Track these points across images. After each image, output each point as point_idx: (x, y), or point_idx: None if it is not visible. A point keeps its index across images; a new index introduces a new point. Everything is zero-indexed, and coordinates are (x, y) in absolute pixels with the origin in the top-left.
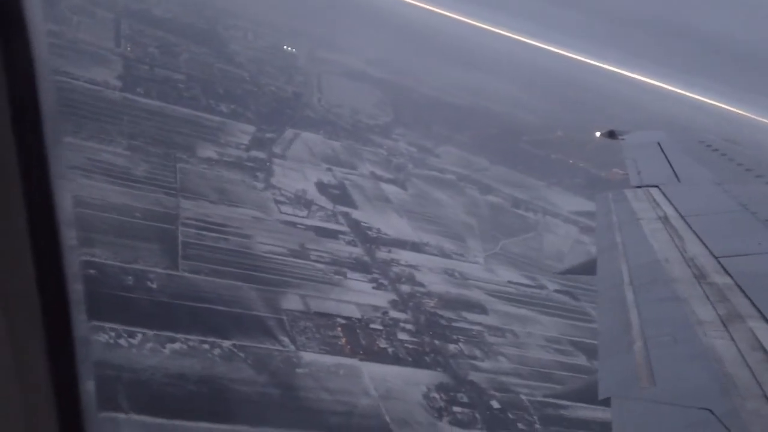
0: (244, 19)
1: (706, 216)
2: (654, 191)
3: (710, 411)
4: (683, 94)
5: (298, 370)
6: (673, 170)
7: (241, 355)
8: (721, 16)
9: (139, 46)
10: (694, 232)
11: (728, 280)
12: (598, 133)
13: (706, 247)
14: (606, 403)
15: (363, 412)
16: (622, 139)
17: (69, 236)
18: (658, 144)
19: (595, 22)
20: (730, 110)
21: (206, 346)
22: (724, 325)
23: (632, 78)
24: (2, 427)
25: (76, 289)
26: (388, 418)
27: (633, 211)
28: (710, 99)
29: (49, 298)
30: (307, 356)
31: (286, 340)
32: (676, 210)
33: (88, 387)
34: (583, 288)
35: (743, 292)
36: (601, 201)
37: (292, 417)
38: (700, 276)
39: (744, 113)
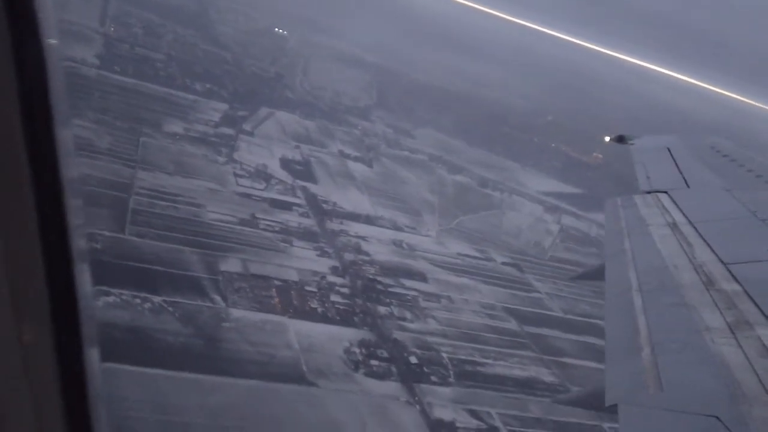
0: (241, 2)
1: (715, 222)
2: (663, 197)
3: (717, 418)
4: (685, 81)
5: (224, 324)
6: (683, 176)
7: (170, 309)
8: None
9: (124, 26)
10: (703, 239)
11: (737, 286)
12: (607, 138)
13: (715, 253)
14: (613, 409)
15: (281, 362)
16: (632, 144)
17: (79, 234)
18: (668, 149)
19: (599, 7)
20: (727, 96)
21: (138, 301)
22: (732, 332)
23: (634, 64)
24: (10, 423)
25: (87, 289)
26: (304, 368)
27: (642, 216)
28: (708, 85)
29: (59, 296)
30: (236, 313)
31: (218, 298)
32: (685, 216)
33: (97, 383)
34: (532, 263)
35: (751, 299)
36: (610, 206)
37: (209, 364)
38: (709, 283)
39: (744, 99)
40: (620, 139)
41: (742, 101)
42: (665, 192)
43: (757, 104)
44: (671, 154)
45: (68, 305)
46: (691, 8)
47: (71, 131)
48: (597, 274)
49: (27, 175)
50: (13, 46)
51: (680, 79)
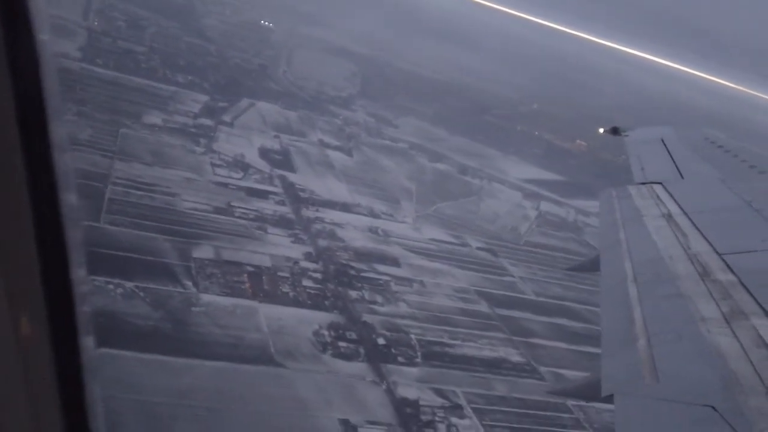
0: None
1: (709, 213)
2: (657, 188)
3: (713, 408)
4: (675, 68)
5: (194, 309)
6: (677, 167)
7: (141, 294)
8: None
9: (108, 19)
10: (698, 229)
11: (732, 277)
12: (601, 130)
13: (710, 244)
14: (609, 399)
15: (249, 344)
16: (626, 136)
17: (75, 233)
18: (662, 140)
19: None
20: (718, 83)
21: (110, 286)
22: (728, 322)
23: (625, 52)
24: (8, 420)
25: (83, 284)
26: (272, 350)
27: (636, 207)
28: (699, 72)
29: (54, 294)
30: (207, 297)
31: (189, 283)
32: (680, 207)
33: (93, 383)
34: (507, 247)
35: (747, 289)
36: (605, 197)
37: (178, 346)
38: (704, 273)
39: (736, 87)
40: (614, 131)
41: (734, 88)
42: (660, 183)
43: (749, 91)
44: (665, 146)
45: (65, 302)
46: None
47: (65, 127)
48: (592, 265)
49: (22, 172)
50: (7, 43)
51: (670, 66)
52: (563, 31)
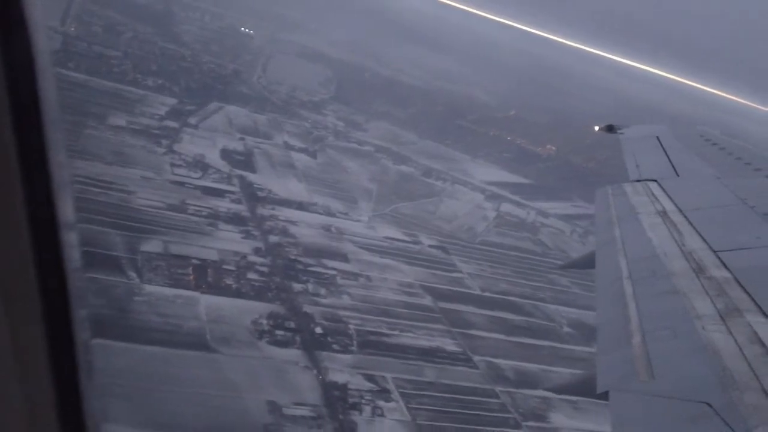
0: (211, 2)
1: (704, 210)
2: (653, 185)
3: (708, 404)
4: (658, 74)
5: (136, 298)
6: (672, 164)
7: (86, 284)
8: None
9: (84, 25)
10: (693, 226)
11: (727, 274)
12: (596, 127)
13: (705, 241)
14: (604, 396)
15: (187, 331)
16: (621, 133)
17: (70, 235)
18: (657, 138)
19: (572, 2)
20: (700, 89)
21: None
22: (723, 319)
23: (609, 59)
24: (4, 425)
25: (78, 287)
26: (208, 337)
27: (632, 205)
28: (681, 78)
29: (50, 296)
30: (150, 288)
31: (133, 275)
32: (675, 204)
33: (90, 383)
34: (460, 245)
35: (741, 286)
36: (600, 195)
37: (117, 331)
38: (699, 270)
39: (716, 92)
40: (609, 129)
41: (715, 94)
42: (655, 180)
43: (729, 96)
44: (660, 143)
45: (60, 304)
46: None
47: (61, 131)
48: (587, 263)
49: (17, 174)
50: (3, 47)
51: (653, 73)
52: (548, 38)
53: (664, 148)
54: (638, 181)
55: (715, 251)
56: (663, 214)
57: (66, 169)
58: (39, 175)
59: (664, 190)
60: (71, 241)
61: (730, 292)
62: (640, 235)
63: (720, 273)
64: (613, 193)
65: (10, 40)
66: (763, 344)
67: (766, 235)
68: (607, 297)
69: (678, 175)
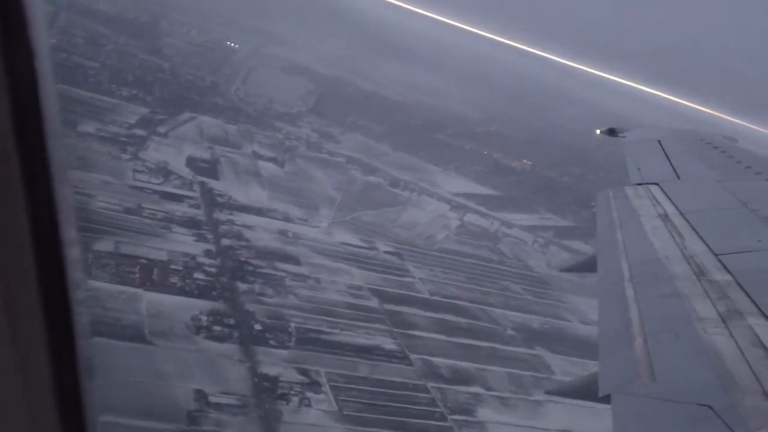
0: (197, 15)
1: (706, 213)
2: (654, 188)
3: (710, 407)
4: (647, 92)
5: (80, 293)
6: (673, 168)
7: None
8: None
9: (68, 36)
10: (694, 230)
11: (728, 277)
12: (598, 131)
13: (706, 244)
14: (606, 399)
15: (125, 324)
16: (623, 137)
17: (70, 235)
18: (659, 141)
19: (562, 19)
20: (683, 104)
21: None
22: (724, 322)
23: (593, 74)
24: (5, 427)
25: (78, 287)
26: (146, 330)
27: (633, 208)
28: (664, 94)
29: (50, 296)
30: (94, 284)
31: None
32: (676, 207)
33: (90, 385)
34: (416, 252)
35: (743, 289)
36: (602, 198)
37: None
38: (700, 273)
39: (699, 107)
40: (611, 132)
41: (696, 108)
42: (656, 183)
43: (712, 112)
44: (662, 147)
45: (61, 307)
46: (653, 18)
47: (63, 140)
48: (589, 266)
49: (18, 178)
50: (5, 54)
51: (642, 90)
52: (537, 53)
53: (665, 152)
54: (640, 184)
55: (716, 254)
56: (664, 217)
57: (66, 170)
58: (39, 175)
59: (665, 193)
60: (71, 242)
61: (731, 295)
62: (642, 238)
63: (721, 276)
64: (615, 196)
65: (10, 40)
66: (764, 347)
67: (767, 239)
68: (609, 300)
69: (679, 179)
